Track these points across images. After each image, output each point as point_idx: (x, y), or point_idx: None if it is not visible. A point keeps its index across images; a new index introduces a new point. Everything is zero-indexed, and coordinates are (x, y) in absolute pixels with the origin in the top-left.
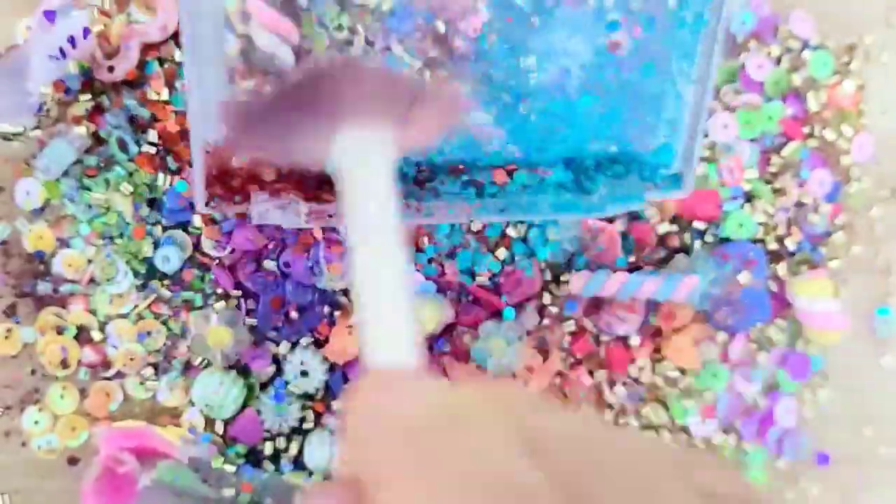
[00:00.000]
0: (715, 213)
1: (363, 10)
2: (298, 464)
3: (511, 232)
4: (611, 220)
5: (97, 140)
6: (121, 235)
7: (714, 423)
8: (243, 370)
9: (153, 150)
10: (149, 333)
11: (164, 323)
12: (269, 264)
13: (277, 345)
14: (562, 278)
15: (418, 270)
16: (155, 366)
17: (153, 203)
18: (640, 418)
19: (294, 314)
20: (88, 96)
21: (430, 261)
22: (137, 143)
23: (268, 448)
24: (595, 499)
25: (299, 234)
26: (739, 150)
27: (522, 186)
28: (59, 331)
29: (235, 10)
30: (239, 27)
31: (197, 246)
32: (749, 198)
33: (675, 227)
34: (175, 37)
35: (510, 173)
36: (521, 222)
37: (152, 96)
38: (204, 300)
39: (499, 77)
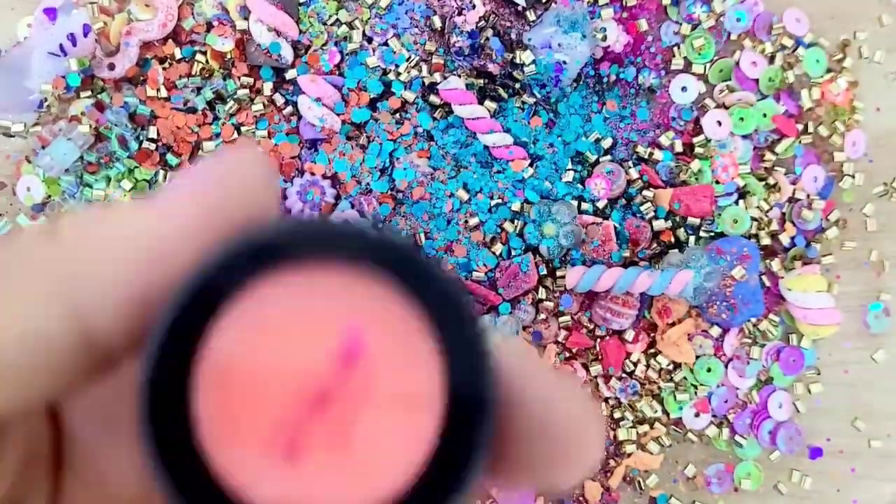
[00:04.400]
0: (709, 208)
1: (360, 5)
2: None
3: (508, 227)
4: (606, 217)
5: (98, 137)
6: None
7: (708, 417)
8: None
9: (153, 146)
10: None
11: None
12: None
13: None
14: (558, 273)
15: None
16: None
17: None
18: (635, 412)
19: None
20: (89, 93)
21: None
22: (137, 140)
23: None
24: None
25: None
26: (733, 146)
27: None
28: None
29: (234, 5)
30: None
31: None
32: (743, 194)
33: (669, 223)
34: (174, 35)
35: None
36: (518, 217)
37: (152, 93)
38: None
39: None
